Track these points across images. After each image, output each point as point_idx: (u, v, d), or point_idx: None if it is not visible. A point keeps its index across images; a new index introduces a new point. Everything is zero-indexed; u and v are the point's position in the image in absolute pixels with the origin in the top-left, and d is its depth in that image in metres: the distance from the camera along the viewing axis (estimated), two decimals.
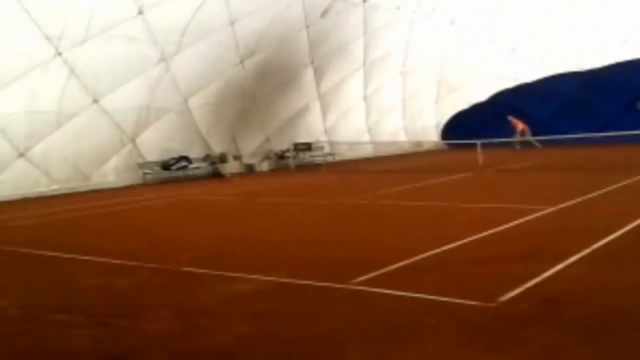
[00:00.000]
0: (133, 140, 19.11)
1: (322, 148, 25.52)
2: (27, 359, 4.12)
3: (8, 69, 15.01)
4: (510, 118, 25.87)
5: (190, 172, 20.77)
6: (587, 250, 6.06)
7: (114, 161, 18.88)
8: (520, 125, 25.69)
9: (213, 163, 21.56)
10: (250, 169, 23.02)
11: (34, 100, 15.97)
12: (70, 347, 4.29)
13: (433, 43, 27.35)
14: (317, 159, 24.86)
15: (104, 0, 15.58)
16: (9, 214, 13.01)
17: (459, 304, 4.67)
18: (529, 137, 25.05)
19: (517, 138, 25.50)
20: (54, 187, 17.16)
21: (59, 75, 16.16)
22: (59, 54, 15.82)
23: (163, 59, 18.23)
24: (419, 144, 30.82)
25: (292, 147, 23.80)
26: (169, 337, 4.38)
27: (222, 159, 21.79)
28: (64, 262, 7.40)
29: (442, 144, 31.84)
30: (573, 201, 9.67)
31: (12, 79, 15.19)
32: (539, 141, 24.26)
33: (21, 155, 16.27)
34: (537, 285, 5.01)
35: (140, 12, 16.66)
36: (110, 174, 18.83)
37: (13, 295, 5.90)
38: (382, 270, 5.74)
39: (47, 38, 15.33)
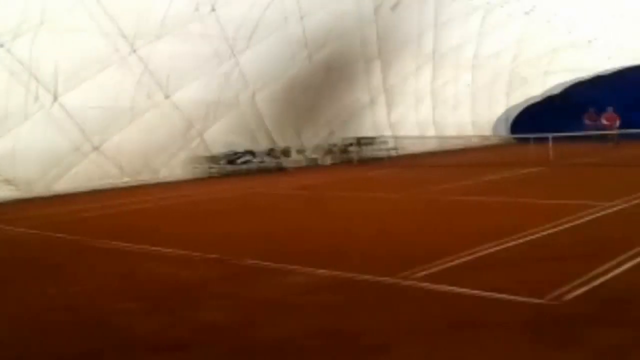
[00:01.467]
0: (201, 135, 19.58)
1: (385, 142, 25.32)
2: (91, 344, 4.27)
3: (87, 66, 15.67)
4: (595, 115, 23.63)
5: (254, 166, 21.08)
6: None
7: (181, 155, 19.40)
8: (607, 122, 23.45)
9: (277, 157, 21.81)
10: (313, 162, 23.14)
11: (110, 96, 16.61)
12: (134, 336, 4.43)
13: (505, 34, 26.59)
14: (380, 153, 24.69)
15: None
16: (81, 205, 13.59)
17: (519, 301, 4.55)
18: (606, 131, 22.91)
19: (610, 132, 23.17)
20: (126, 179, 17.79)
21: (134, 72, 16.72)
22: (134, 51, 16.37)
23: (233, 54, 18.56)
24: (486, 137, 30.12)
25: (355, 141, 23.74)
26: (229, 328, 4.47)
27: (286, 153, 22.01)
28: (129, 252, 7.66)
29: (511, 137, 31.01)
30: None
31: (90, 76, 15.84)
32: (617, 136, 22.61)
33: (96, 148, 16.94)
34: (603, 283, 4.82)
35: (213, 9, 17.01)
36: (178, 167, 19.36)
37: (80, 283, 6.15)
38: (442, 266, 5.65)
39: (124, 36, 15.90)
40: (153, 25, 16.10)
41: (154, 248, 7.65)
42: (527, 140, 22.73)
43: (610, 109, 23.05)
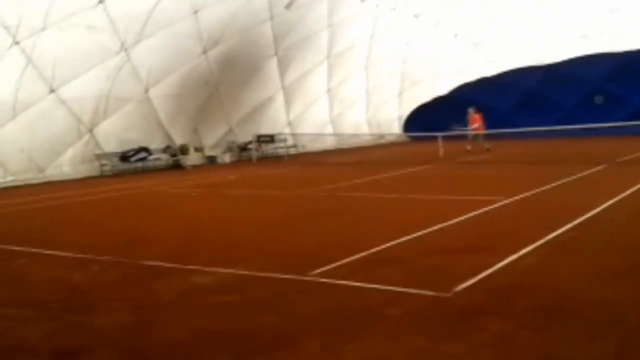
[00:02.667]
0: (91, 131, 18.75)
1: (284, 140, 25.45)
2: None
3: None
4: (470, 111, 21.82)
5: (150, 164, 20.48)
6: (541, 241, 6.19)
7: (70, 152, 18.50)
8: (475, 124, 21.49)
9: (174, 154, 21.31)
10: (212, 160, 22.82)
11: None
12: (21, 342, 4.20)
13: (397, 36, 27.51)
14: (279, 150, 24.79)
15: None
16: None
17: (415, 294, 4.73)
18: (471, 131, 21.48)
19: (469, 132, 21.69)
20: (9, 178, 16.73)
21: (16, 65, 15.73)
22: (16, 43, 15.39)
23: (123, 48, 17.89)
24: (381, 136, 31.03)
25: (254, 139, 23.68)
26: (123, 332, 4.31)
27: (183, 150, 21.56)
28: (15, 255, 7.21)
29: (404, 136, 32.11)
30: (529, 193, 9.86)
31: None
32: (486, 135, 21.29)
33: None
34: (491, 275, 5.11)
35: (101, 1, 16.30)
36: (67, 165, 18.44)
37: None
38: (340, 262, 5.76)
39: (5, 27, 14.90)
40: (37, 16, 15.21)
41: (43, 251, 7.25)
42: (419, 138, 23.54)
43: (470, 110, 21.58)
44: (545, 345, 3.62)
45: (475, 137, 21.16)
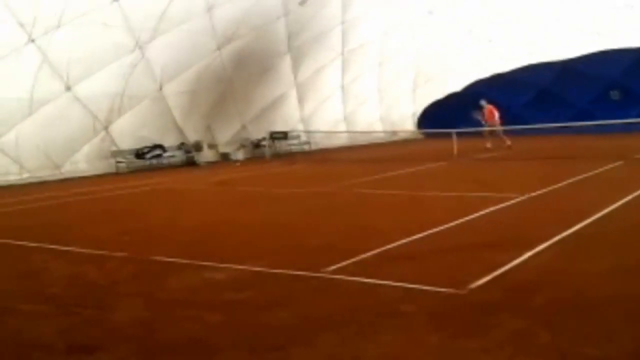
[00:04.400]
0: (106, 128, 18.88)
1: (298, 137, 25.46)
2: None
3: None
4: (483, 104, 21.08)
5: (164, 161, 20.60)
6: (556, 238, 6.14)
7: (86, 149, 18.66)
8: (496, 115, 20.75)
9: (188, 151, 21.40)
10: (225, 157, 22.89)
11: (6, 88, 15.67)
12: (37, 338, 4.23)
13: (410, 33, 27.38)
14: (293, 147, 24.80)
15: None
16: None
17: (430, 291, 4.71)
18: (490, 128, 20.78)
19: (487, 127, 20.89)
20: (26, 175, 16.89)
21: (32, 62, 15.89)
22: (32, 40, 15.52)
23: (138, 45, 17.99)
24: (394, 133, 30.93)
25: (268, 135, 23.71)
26: (138, 328, 4.34)
27: (197, 147, 21.65)
28: (31, 252, 7.29)
29: (418, 133, 31.98)
30: (544, 190, 9.79)
31: None
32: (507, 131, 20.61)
33: None
34: (506, 272, 5.07)
35: None
36: (82, 162, 18.60)
37: None
38: (354, 259, 5.74)
39: (21, 25, 15.04)
40: (53, 14, 15.34)
41: (59, 247, 7.31)
42: (432, 135, 23.36)
43: (484, 103, 20.89)
44: (562, 343, 3.60)
45: (492, 131, 20.83)
